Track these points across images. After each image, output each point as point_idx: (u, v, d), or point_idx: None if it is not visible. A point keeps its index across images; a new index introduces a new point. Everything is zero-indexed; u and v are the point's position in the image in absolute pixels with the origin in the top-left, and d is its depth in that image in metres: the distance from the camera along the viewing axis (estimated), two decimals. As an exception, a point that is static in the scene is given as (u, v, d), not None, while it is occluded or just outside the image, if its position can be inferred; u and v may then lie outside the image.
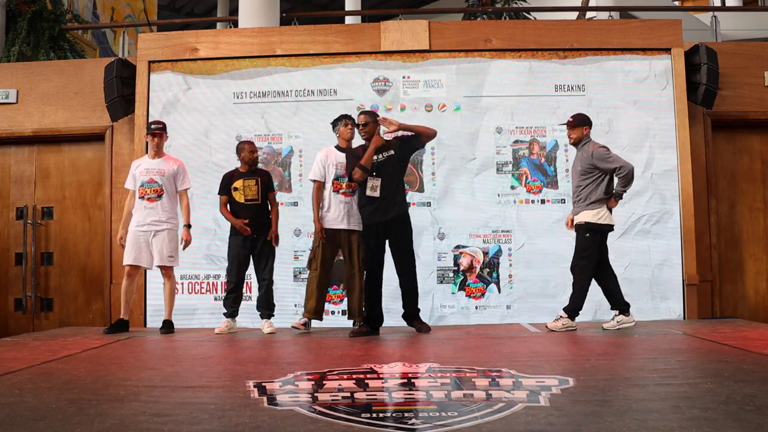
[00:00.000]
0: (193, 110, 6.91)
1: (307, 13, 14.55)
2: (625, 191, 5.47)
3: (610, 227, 5.46)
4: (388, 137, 5.42)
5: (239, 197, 5.69)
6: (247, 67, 6.96)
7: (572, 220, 5.55)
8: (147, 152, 6.06)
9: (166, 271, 5.78)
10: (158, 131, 5.90)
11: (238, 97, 6.92)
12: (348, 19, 13.40)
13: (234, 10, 9.93)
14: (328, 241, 5.56)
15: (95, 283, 7.21)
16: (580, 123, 5.59)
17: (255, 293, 6.56)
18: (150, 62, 6.96)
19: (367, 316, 5.39)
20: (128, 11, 12.52)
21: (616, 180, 5.40)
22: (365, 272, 5.40)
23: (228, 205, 5.74)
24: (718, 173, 7.06)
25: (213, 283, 6.60)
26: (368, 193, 5.27)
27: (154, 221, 5.72)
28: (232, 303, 5.73)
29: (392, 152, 5.36)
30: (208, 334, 5.64)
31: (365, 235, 5.42)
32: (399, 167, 5.43)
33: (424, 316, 6.49)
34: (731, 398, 2.66)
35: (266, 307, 5.70)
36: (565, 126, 5.69)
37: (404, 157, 5.49)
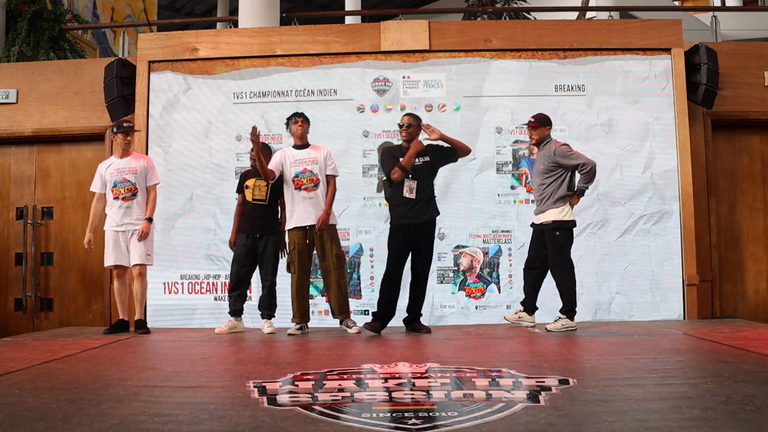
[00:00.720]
0: (193, 110, 6.91)
1: (307, 13, 14.55)
2: (587, 188, 5.51)
3: (574, 224, 5.51)
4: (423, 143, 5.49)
5: (248, 195, 5.73)
6: (247, 67, 6.95)
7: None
8: (115, 152, 5.98)
9: (140, 269, 5.72)
10: (131, 129, 5.90)
11: (238, 97, 6.92)
12: (348, 19, 13.40)
13: (234, 10, 9.94)
14: (299, 240, 5.49)
15: (95, 283, 7.21)
16: (541, 123, 5.62)
17: (255, 294, 6.60)
18: (150, 62, 6.96)
19: (384, 311, 5.42)
20: (128, 11, 12.53)
21: (578, 177, 5.44)
22: (387, 273, 5.44)
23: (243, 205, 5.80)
24: (718, 173, 7.06)
25: (213, 283, 6.60)
26: (405, 194, 5.32)
27: (131, 220, 5.71)
28: (233, 301, 5.75)
29: (428, 158, 5.42)
30: (208, 334, 5.64)
31: (393, 234, 5.45)
32: (432, 174, 5.52)
33: (424, 315, 6.52)
34: (731, 398, 2.66)
35: (267, 307, 5.70)
36: (526, 126, 5.70)
37: (437, 165, 5.55)
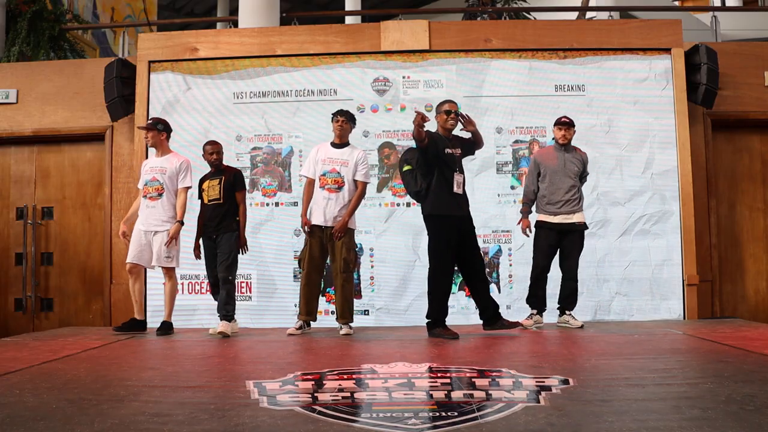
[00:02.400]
0: (193, 110, 6.91)
1: (307, 13, 14.55)
2: None
3: None
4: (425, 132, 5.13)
5: (205, 198, 5.64)
6: (247, 67, 6.96)
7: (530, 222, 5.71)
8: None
9: (167, 271, 5.70)
10: (145, 127, 5.81)
11: (238, 97, 6.92)
12: (348, 19, 13.40)
13: (234, 10, 9.94)
14: (313, 236, 5.47)
15: (95, 283, 7.21)
16: (574, 125, 5.74)
17: (255, 293, 6.62)
18: (150, 62, 6.96)
19: (444, 310, 5.13)
20: (128, 11, 12.53)
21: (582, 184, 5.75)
22: (435, 271, 5.10)
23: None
24: (718, 173, 7.06)
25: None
26: (455, 189, 5.07)
27: (155, 221, 5.63)
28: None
29: (459, 150, 5.22)
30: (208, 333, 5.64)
31: (441, 226, 5.07)
32: (461, 171, 5.24)
33: (423, 315, 6.51)
34: (731, 398, 2.66)
35: (223, 308, 5.54)
36: (563, 124, 5.67)
37: (462, 158, 5.33)
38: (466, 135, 5.33)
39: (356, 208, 5.50)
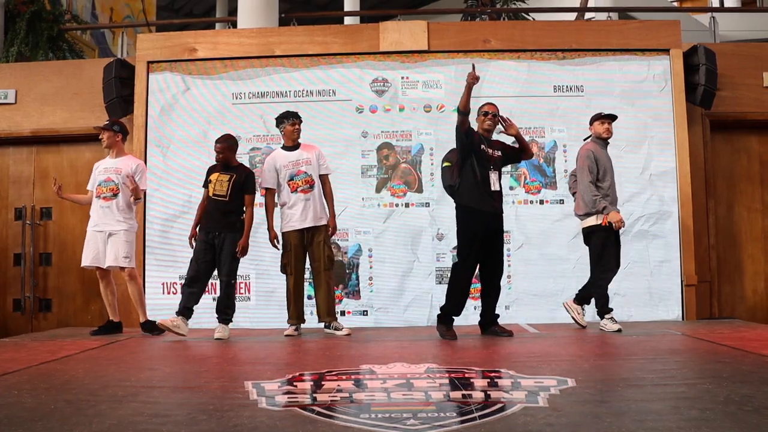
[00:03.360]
0: (192, 111, 6.90)
1: (306, 14, 14.55)
2: None
3: None
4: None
5: (210, 190, 5.53)
6: (246, 67, 6.95)
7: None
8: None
9: (128, 272, 5.65)
10: (101, 128, 5.80)
11: (236, 98, 6.92)
12: (347, 20, 13.41)
13: (233, 11, 9.96)
14: (295, 242, 5.45)
15: (94, 283, 7.15)
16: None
17: (254, 294, 6.61)
18: (149, 63, 6.96)
19: (453, 311, 5.16)
20: (127, 12, 12.53)
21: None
22: (457, 265, 5.17)
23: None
24: (716, 174, 7.07)
25: (212, 283, 6.56)
26: (492, 187, 5.10)
27: (110, 221, 5.62)
28: (185, 299, 5.44)
29: (499, 153, 5.23)
30: (206, 334, 5.62)
31: (473, 220, 5.06)
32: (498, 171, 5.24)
33: (421, 316, 6.54)
34: (729, 399, 2.66)
35: (223, 311, 5.48)
36: (606, 117, 5.57)
37: (505, 163, 5.34)
38: (512, 143, 5.34)
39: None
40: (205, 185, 5.61)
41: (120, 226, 5.62)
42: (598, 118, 5.57)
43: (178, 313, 5.39)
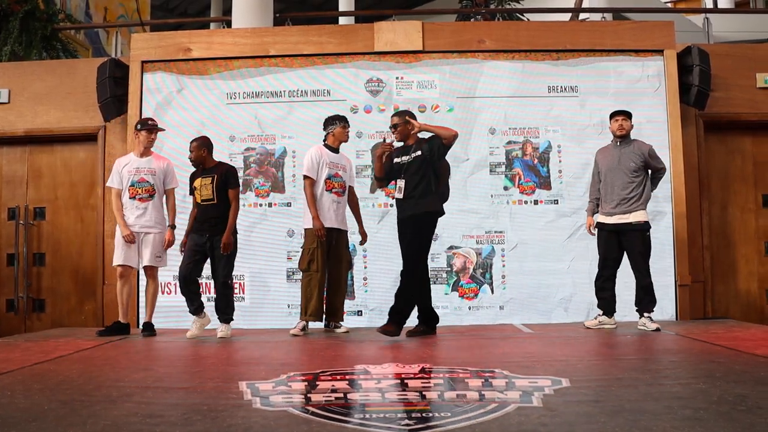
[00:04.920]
0: (186, 111, 6.88)
1: (301, 14, 14.54)
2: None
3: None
4: (390, 139, 5.53)
5: (197, 197, 5.53)
6: (241, 67, 6.94)
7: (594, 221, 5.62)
8: (135, 149, 5.87)
9: (152, 272, 5.71)
10: (156, 128, 5.82)
11: (231, 98, 6.90)
12: (341, 20, 13.41)
13: (227, 11, 9.94)
14: (325, 239, 5.53)
15: (88, 283, 7.18)
16: (630, 116, 5.66)
17: (248, 294, 6.61)
18: (143, 62, 6.93)
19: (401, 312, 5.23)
20: (121, 11, 12.50)
21: (652, 180, 5.62)
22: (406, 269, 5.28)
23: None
24: (710, 174, 7.09)
25: (207, 284, 6.57)
26: (395, 195, 5.35)
27: (147, 222, 5.65)
28: (190, 300, 5.48)
29: (419, 153, 5.25)
30: (204, 334, 5.62)
31: (400, 230, 5.41)
32: (422, 169, 5.23)
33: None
34: (723, 398, 2.67)
35: (223, 311, 5.51)
36: (617, 114, 5.64)
37: (431, 158, 5.26)
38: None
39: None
40: (191, 193, 5.64)
41: (156, 229, 5.69)
42: (611, 116, 5.71)
43: (194, 313, 5.52)
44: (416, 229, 5.24)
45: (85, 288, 7.21)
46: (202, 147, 5.58)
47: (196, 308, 5.50)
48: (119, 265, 5.66)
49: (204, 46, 7.00)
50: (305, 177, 5.64)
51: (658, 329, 5.29)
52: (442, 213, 5.36)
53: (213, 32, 7.79)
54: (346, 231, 5.77)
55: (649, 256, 5.56)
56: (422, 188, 5.22)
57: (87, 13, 11.22)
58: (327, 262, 5.60)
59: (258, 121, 6.84)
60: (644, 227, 5.52)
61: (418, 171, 5.24)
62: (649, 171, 5.60)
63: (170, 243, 5.70)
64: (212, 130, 6.81)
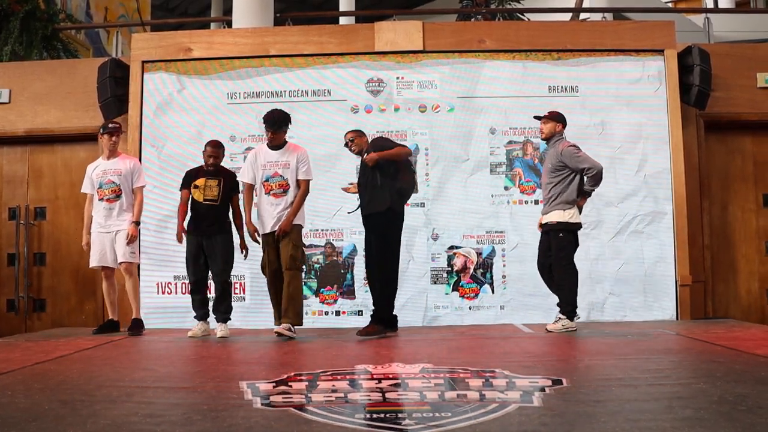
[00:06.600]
0: (187, 111, 6.88)
1: (301, 14, 14.54)
2: (593, 190, 5.51)
3: (579, 226, 5.47)
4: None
5: (198, 196, 5.54)
6: (241, 67, 6.94)
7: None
8: (103, 153, 5.98)
9: (128, 267, 5.75)
10: (116, 131, 5.89)
11: (231, 98, 6.90)
12: (342, 20, 13.40)
13: (228, 11, 9.94)
14: (267, 243, 5.38)
15: (88, 283, 7.17)
16: (553, 119, 5.56)
17: (248, 294, 6.60)
18: (143, 62, 6.94)
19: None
20: (121, 11, 12.50)
21: (585, 179, 5.40)
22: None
23: (189, 203, 5.61)
24: (710, 174, 7.09)
25: (209, 284, 6.60)
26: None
27: (115, 221, 5.73)
28: (199, 306, 5.58)
29: (370, 154, 5.29)
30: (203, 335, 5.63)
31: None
32: (372, 175, 5.31)
33: (418, 316, 6.54)
34: (723, 398, 2.67)
35: (222, 311, 5.53)
36: (540, 120, 5.61)
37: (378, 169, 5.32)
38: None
39: (299, 208, 5.38)
40: (185, 188, 5.64)
41: (125, 225, 5.73)
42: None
43: (200, 319, 5.54)
44: (374, 225, 5.39)
45: (85, 288, 7.21)
46: (223, 152, 5.74)
47: (202, 315, 5.58)
48: (98, 267, 5.80)
49: (204, 46, 7.00)
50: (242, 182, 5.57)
51: (574, 330, 5.27)
52: (395, 209, 5.32)
53: (213, 32, 7.80)
54: (296, 225, 5.35)
55: (565, 257, 5.36)
56: (374, 190, 5.34)
57: (87, 13, 11.22)
58: (275, 266, 5.34)
59: (259, 121, 6.82)
60: (556, 227, 5.39)
61: (369, 179, 5.37)
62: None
63: (133, 238, 5.72)
64: (213, 130, 6.81)
